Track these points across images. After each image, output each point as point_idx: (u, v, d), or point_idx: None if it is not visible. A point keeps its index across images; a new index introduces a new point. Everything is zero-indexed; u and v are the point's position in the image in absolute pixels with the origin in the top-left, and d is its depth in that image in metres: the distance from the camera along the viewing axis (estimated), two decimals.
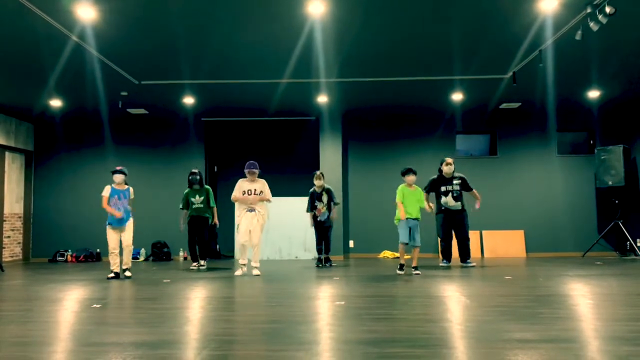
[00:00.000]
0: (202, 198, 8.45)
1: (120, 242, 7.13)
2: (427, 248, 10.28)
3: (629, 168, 10.01)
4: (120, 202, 7.14)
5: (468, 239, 8.34)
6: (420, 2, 5.41)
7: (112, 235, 7.07)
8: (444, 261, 8.39)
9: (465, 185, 8.32)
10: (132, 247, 7.25)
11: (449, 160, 8.31)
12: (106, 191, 7.14)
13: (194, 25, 5.95)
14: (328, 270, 7.85)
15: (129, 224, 7.16)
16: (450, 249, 8.43)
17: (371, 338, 3.28)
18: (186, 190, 8.58)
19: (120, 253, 7.18)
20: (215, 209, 8.64)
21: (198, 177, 8.43)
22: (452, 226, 8.34)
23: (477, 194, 8.37)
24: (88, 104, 9.60)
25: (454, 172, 8.33)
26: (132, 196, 7.28)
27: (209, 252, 8.87)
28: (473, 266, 8.22)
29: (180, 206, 8.61)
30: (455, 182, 8.27)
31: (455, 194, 8.23)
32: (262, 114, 10.58)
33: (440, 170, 8.34)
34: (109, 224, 7.09)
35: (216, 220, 8.68)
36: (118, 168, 7.32)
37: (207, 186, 8.65)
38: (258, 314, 4.26)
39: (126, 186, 7.29)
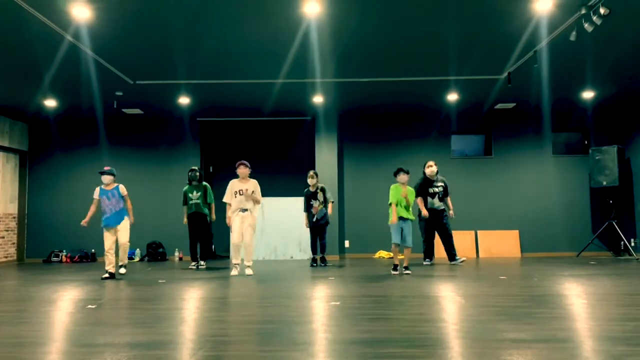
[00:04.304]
0: (199, 194, 8.67)
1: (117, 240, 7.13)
2: (419, 248, 10.27)
3: (623, 168, 10.05)
4: (109, 202, 7.12)
5: (451, 236, 8.67)
6: (415, 2, 5.42)
7: (107, 236, 7.07)
8: (427, 260, 8.70)
9: (445, 190, 8.67)
10: (129, 244, 7.22)
11: (430, 162, 8.67)
12: (95, 194, 7.23)
13: (189, 25, 5.94)
14: (323, 270, 7.85)
15: (123, 224, 7.12)
16: (433, 248, 8.78)
17: (366, 338, 3.28)
18: (185, 187, 8.82)
19: (117, 252, 7.18)
20: (212, 205, 8.88)
21: (197, 174, 8.70)
22: (434, 226, 8.65)
23: (451, 204, 8.72)
24: (83, 104, 9.57)
25: (437, 174, 8.67)
26: (124, 192, 7.22)
27: (208, 252, 8.90)
28: (463, 261, 8.55)
29: (183, 203, 8.84)
30: (439, 184, 8.62)
31: (440, 195, 8.61)
32: (257, 114, 10.57)
33: (424, 173, 8.63)
34: (103, 226, 7.11)
35: (213, 216, 8.92)
36: (106, 168, 7.32)
37: (205, 183, 8.87)
38: (253, 315, 4.25)
39: (114, 184, 7.26)
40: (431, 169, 8.55)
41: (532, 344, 3.04)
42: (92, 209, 7.20)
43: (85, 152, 11.00)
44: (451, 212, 8.68)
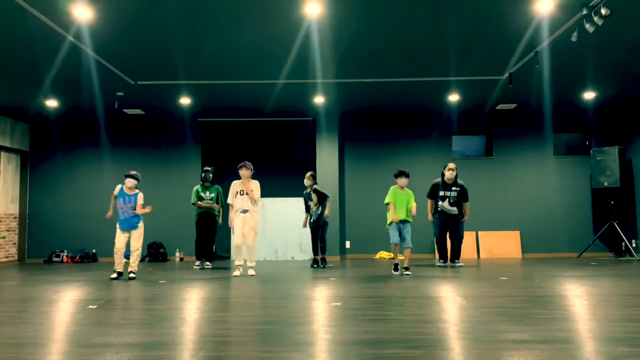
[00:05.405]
0: (212, 195, 8.74)
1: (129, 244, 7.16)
2: (424, 248, 10.29)
3: (624, 169, 10.04)
4: (125, 206, 7.10)
5: (461, 242, 8.58)
6: (417, 3, 5.42)
7: (119, 236, 7.07)
8: (441, 261, 8.62)
9: (463, 196, 8.48)
10: (140, 251, 7.23)
11: (451, 165, 8.47)
12: (116, 190, 7.23)
13: (190, 26, 5.94)
14: (324, 271, 7.85)
15: (138, 229, 7.14)
16: (446, 249, 8.65)
17: (367, 339, 3.28)
18: (196, 186, 8.83)
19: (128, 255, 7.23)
20: (222, 209, 8.88)
21: (211, 175, 8.77)
22: (447, 227, 8.55)
23: (468, 210, 8.58)
24: (84, 104, 9.57)
25: (456, 178, 8.45)
26: (140, 202, 7.20)
27: (210, 252, 8.89)
28: (460, 266, 8.42)
29: (192, 201, 8.78)
30: (454, 189, 8.43)
31: (451, 200, 8.44)
32: (258, 114, 10.58)
33: (443, 175, 8.48)
34: (118, 224, 7.13)
35: (221, 219, 8.90)
36: (132, 172, 7.29)
37: (217, 186, 8.90)
38: (254, 315, 4.26)
39: (136, 191, 7.24)
40: (450, 172, 8.36)
41: (532, 345, 3.04)
42: (113, 201, 7.23)
43: (86, 152, 11.00)
44: (465, 218, 8.56)
